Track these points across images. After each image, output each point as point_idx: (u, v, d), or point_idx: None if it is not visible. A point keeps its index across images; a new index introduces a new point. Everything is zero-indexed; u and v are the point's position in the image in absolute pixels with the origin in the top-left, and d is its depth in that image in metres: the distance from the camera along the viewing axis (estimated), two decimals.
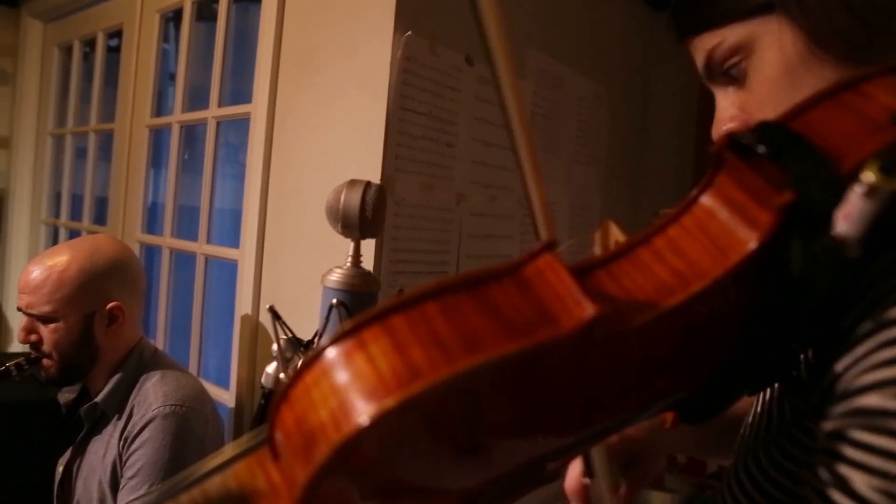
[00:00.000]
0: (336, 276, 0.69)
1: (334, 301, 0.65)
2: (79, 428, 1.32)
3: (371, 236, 0.73)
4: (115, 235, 2.12)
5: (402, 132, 1.34)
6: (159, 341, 1.96)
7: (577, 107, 1.91)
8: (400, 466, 0.33)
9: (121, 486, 1.21)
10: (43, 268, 1.24)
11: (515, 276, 0.32)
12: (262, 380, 0.80)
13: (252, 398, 1.57)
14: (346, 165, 1.37)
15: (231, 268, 1.91)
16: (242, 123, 1.82)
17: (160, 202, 2.25)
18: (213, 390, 1.59)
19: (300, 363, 0.31)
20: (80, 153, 2.61)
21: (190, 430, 1.23)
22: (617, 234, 0.61)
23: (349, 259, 0.72)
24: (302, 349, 0.69)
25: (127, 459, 1.21)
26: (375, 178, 1.31)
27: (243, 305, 1.58)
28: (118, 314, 1.29)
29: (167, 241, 1.98)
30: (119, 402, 1.28)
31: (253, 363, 1.56)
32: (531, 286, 0.32)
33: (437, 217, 1.45)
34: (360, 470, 0.31)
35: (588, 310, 0.30)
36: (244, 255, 1.59)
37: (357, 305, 0.67)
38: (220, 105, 1.83)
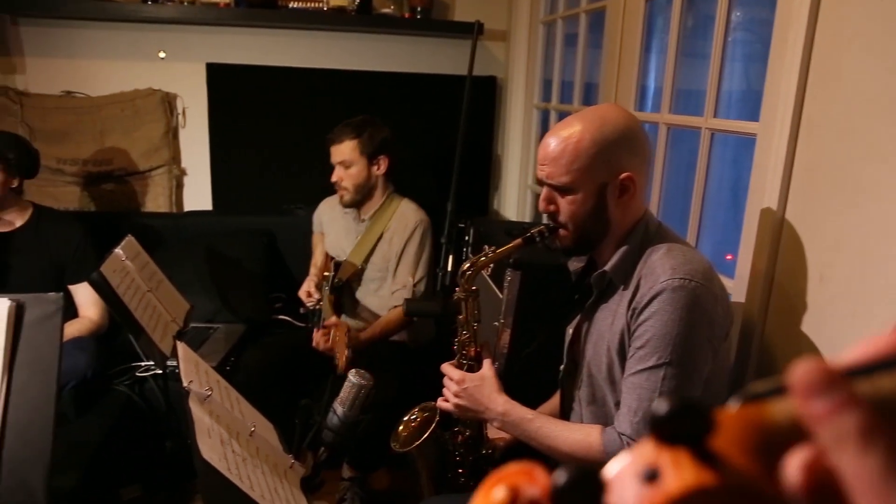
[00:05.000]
0: None
1: None
2: (586, 295, 1.36)
3: None
4: None
5: None
6: None
7: None
8: None
9: (629, 355, 1.22)
10: (559, 139, 1.24)
11: None
12: None
13: (767, 296, 1.38)
14: None
15: (738, 145, 1.71)
16: None
17: (650, 84, 2.15)
18: None
19: None
20: (570, 39, 2.68)
21: (700, 306, 1.16)
22: None
23: None
24: None
25: (635, 330, 1.20)
26: None
27: (766, 186, 1.37)
28: (629, 185, 1.24)
29: (665, 117, 1.87)
30: (626, 272, 1.27)
31: (774, 253, 1.35)
32: None
33: None
34: None
35: None
36: (771, 128, 1.36)
37: None
38: None
